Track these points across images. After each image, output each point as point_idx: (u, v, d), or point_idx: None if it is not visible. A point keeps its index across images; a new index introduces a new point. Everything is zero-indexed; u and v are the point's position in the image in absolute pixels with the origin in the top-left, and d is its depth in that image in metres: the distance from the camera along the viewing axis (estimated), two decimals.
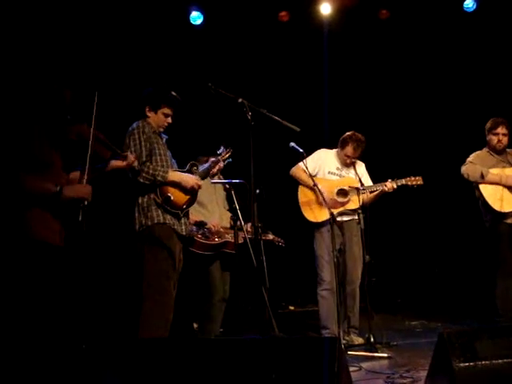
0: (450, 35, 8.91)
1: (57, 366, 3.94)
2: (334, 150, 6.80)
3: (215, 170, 5.75)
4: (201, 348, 3.53)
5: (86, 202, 4.09)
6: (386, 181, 6.50)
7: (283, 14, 8.79)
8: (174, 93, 5.40)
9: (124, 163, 4.65)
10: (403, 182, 6.50)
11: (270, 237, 6.65)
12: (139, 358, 3.60)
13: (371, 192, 6.56)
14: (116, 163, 4.59)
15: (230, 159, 5.78)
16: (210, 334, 6.22)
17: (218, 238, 6.22)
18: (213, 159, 5.69)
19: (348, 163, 6.69)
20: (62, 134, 4.14)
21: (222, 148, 5.83)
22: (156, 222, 5.15)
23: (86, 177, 4.12)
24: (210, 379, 3.36)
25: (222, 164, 5.71)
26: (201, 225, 6.22)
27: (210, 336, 6.17)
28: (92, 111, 4.19)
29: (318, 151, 6.71)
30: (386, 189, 6.44)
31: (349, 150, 6.60)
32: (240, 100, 4.80)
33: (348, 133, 6.68)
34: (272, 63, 8.98)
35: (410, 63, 9.26)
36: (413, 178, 6.50)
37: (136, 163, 4.96)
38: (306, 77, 9.08)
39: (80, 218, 4.05)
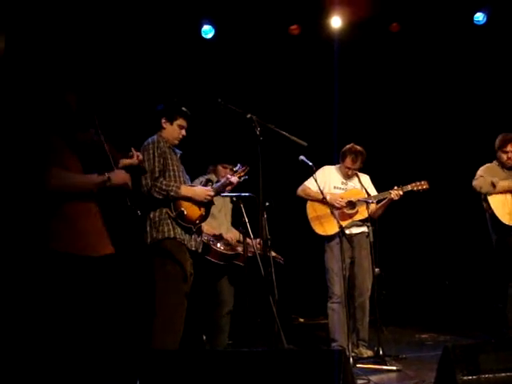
0: (460, 48, 8.93)
1: (67, 374, 3.97)
2: (337, 166, 6.89)
3: (230, 188, 5.80)
4: (208, 360, 3.56)
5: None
6: (392, 188, 6.53)
7: (294, 27, 8.83)
8: (184, 108, 5.47)
9: (134, 160, 4.69)
10: (409, 187, 6.53)
11: (273, 254, 6.69)
12: (149, 369, 3.63)
13: (378, 202, 6.59)
14: (127, 160, 4.63)
15: (246, 176, 5.83)
16: (220, 345, 6.26)
17: (229, 248, 6.26)
18: (228, 176, 5.73)
19: (350, 175, 6.77)
20: (76, 140, 4.18)
21: (239, 165, 5.89)
22: (167, 236, 5.20)
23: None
24: None
25: (237, 180, 5.75)
26: (219, 238, 6.29)
27: (219, 347, 6.20)
28: (98, 132, 4.24)
29: (322, 169, 6.77)
30: (392, 196, 6.46)
31: (348, 161, 6.71)
32: (249, 116, 4.83)
33: (347, 145, 6.77)
34: (283, 76, 9.02)
35: (421, 76, 9.28)
36: (418, 183, 6.54)
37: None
38: (317, 90, 9.11)
39: (129, 203, 4.21)
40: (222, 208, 6.55)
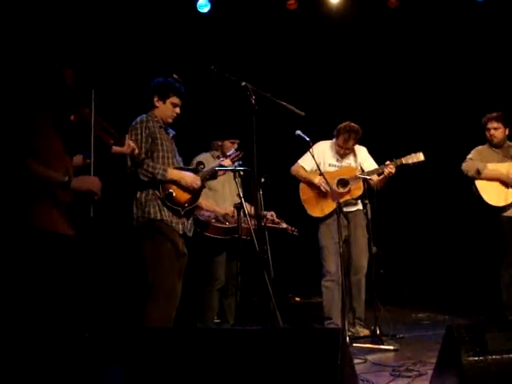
0: (460, 25, 8.81)
1: (59, 356, 3.90)
2: (332, 141, 6.77)
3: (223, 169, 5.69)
4: (201, 338, 3.46)
5: (96, 198, 4.02)
6: (385, 163, 6.40)
7: (291, 2, 8.72)
8: (175, 75, 5.31)
9: (126, 150, 4.64)
10: (403, 161, 6.38)
11: (284, 225, 6.61)
12: (141, 347, 3.54)
13: (379, 175, 6.47)
14: (118, 149, 4.57)
15: (240, 162, 5.72)
16: (208, 322, 6.23)
17: (228, 222, 6.18)
18: (222, 158, 5.62)
19: (342, 153, 6.66)
20: (65, 116, 4.06)
21: (233, 150, 5.80)
22: (153, 217, 5.08)
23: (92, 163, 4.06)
24: (210, 370, 3.29)
25: (229, 164, 5.63)
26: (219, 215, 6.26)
27: (207, 324, 6.18)
28: (91, 107, 4.09)
29: (316, 145, 6.60)
30: (386, 172, 6.32)
31: (340, 140, 6.59)
32: (243, 83, 4.69)
33: (343, 123, 6.61)
34: (280, 52, 8.91)
35: (419, 52, 9.18)
36: (413, 155, 6.39)
37: (137, 151, 4.87)
38: (314, 65, 9.05)
39: (91, 214, 3.97)
40: (226, 182, 6.43)
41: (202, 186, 5.40)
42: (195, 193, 5.28)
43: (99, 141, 4.17)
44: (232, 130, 6.52)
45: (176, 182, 5.15)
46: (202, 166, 5.44)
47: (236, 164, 5.69)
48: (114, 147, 4.49)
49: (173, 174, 5.16)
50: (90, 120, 4.03)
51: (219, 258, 6.33)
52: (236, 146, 6.38)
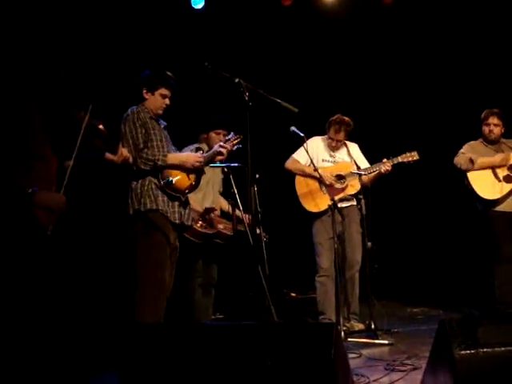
0: (453, 21, 8.79)
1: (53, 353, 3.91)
2: (324, 137, 6.80)
3: (222, 158, 5.62)
4: (195, 333, 3.47)
5: (53, 216, 3.89)
6: (382, 160, 6.46)
7: None
8: (169, 73, 5.33)
9: (118, 159, 4.68)
10: (399, 159, 6.46)
11: (257, 231, 6.59)
12: (135, 344, 3.54)
13: (369, 173, 6.50)
14: (110, 157, 4.62)
15: (240, 145, 5.71)
16: (202, 318, 6.23)
17: (209, 227, 6.15)
18: (220, 143, 5.61)
19: (333, 146, 6.69)
20: (57, 118, 4.05)
21: (232, 134, 5.77)
22: (148, 208, 5.06)
23: (71, 164, 4.01)
24: (204, 365, 3.30)
25: (229, 148, 5.60)
26: (208, 211, 6.20)
27: (202, 320, 6.18)
28: (86, 112, 4.07)
29: (310, 140, 6.60)
30: (382, 171, 6.40)
31: (331, 132, 6.65)
32: (237, 80, 4.71)
33: (334, 116, 6.67)
34: (274, 48, 8.91)
35: (415, 48, 9.16)
36: (408, 154, 6.46)
37: (131, 159, 4.94)
38: (309, 61, 9.05)
39: (48, 232, 3.84)
40: (210, 179, 6.41)
41: (202, 171, 5.40)
42: (196, 178, 5.29)
43: (91, 145, 4.16)
44: (214, 120, 6.47)
45: (177, 167, 5.16)
46: (201, 152, 5.45)
47: (235, 148, 5.66)
48: (106, 154, 4.52)
49: (173, 157, 5.18)
50: (82, 125, 4.01)
51: (198, 257, 6.29)
52: (222, 136, 6.28)
